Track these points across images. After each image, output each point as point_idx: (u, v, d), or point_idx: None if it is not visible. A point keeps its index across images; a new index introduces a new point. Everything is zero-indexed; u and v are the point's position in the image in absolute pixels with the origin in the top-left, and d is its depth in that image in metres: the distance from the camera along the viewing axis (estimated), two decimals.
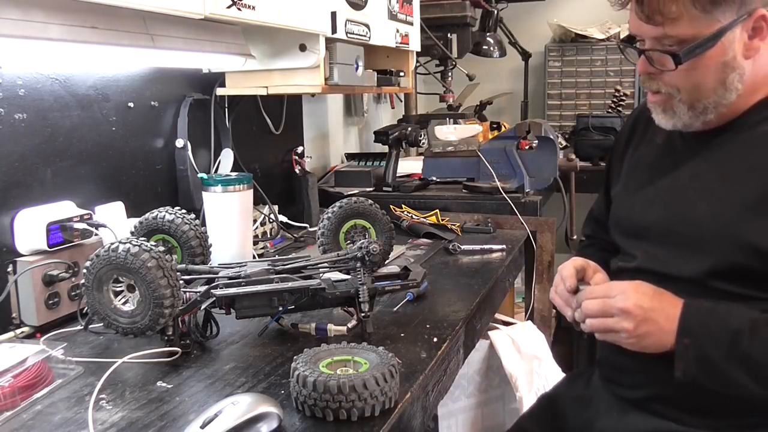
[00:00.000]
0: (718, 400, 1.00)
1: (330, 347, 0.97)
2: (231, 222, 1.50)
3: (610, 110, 3.15)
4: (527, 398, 1.82)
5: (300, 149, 2.12)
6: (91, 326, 1.19)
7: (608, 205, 1.30)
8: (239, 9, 1.21)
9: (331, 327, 1.15)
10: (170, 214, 1.30)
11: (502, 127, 2.63)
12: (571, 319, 1.11)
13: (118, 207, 1.45)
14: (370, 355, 0.94)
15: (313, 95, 2.31)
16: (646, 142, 1.21)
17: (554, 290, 1.16)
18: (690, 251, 1.04)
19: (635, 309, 0.98)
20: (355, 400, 0.85)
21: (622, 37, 3.29)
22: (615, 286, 1.04)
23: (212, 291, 1.10)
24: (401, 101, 3.15)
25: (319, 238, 1.40)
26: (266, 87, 1.63)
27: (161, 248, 1.02)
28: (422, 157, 2.32)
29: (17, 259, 1.21)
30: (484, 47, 3.03)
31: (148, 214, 1.31)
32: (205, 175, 1.52)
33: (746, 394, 0.95)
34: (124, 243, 1.00)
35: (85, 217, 1.30)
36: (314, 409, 0.86)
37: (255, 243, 1.71)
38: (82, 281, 1.04)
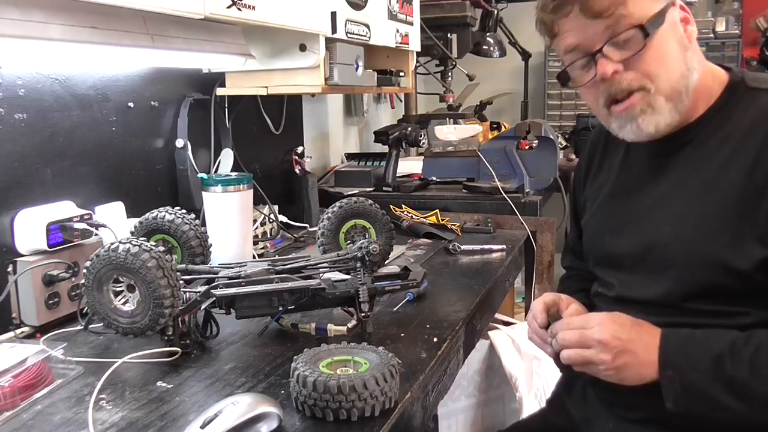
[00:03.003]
0: (716, 422, 0.98)
1: (330, 347, 0.97)
2: (231, 222, 1.50)
3: None
4: (527, 398, 1.82)
5: (300, 149, 2.12)
6: (91, 326, 1.19)
7: (581, 235, 1.28)
8: (239, 9, 1.21)
9: (331, 327, 1.15)
10: (170, 214, 1.30)
11: (502, 127, 2.63)
12: (551, 355, 1.09)
13: (118, 207, 1.45)
14: (370, 355, 0.94)
15: (313, 95, 2.31)
16: (605, 169, 1.19)
17: (530, 331, 1.15)
18: (662, 276, 1.03)
19: (613, 340, 0.97)
20: (355, 400, 0.85)
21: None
22: (592, 318, 1.03)
23: (212, 291, 1.10)
24: (401, 101, 3.15)
25: (319, 238, 1.40)
26: (266, 87, 1.63)
27: (161, 248, 1.02)
28: (422, 157, 2.32)
29: (17, 259, 1.21)
30: (484, 47, 3.03)
31: (148, 214, 1.31)
32: (205, 175, 1.52)
33: (740, 419, 0.94)
34: (124, 243, 1.00)
35: (85, 217, 1.30)
36: (314, 409, 0.86)
37: (255, 243, 1.71)
38: (82, 281, 1.04)
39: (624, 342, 0.97)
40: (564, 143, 2.93)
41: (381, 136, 2.28)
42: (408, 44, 2.08)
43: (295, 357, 0.93)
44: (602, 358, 0.97)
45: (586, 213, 1.24)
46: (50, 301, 1.22)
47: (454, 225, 1.97)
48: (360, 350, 0.95)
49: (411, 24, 2.10)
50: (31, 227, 1.22)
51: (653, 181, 1.09)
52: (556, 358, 1.06)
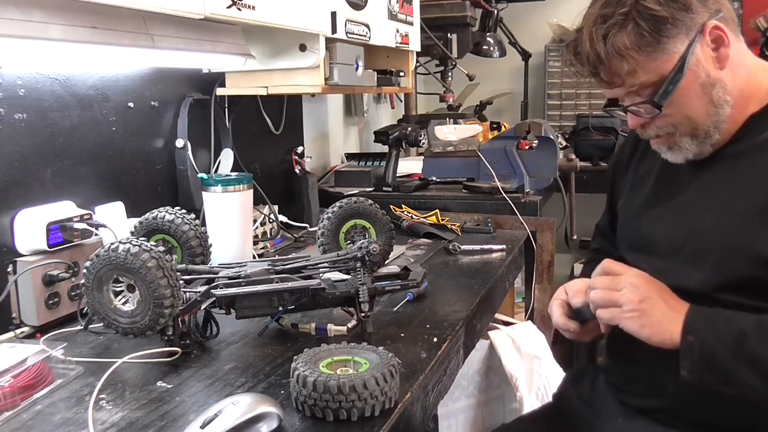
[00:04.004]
0: (726, 415, 0.99)
1: (330, 347, 0.97)
2: (231, 222, 1.50)
3: None
4: (527, 398, 1.82)
5: (300, 149, 2.12)
6: (91, 326, 1.19)
7: (613, 219, 1.29)
8: (239, 9, 1.21)
9: (331, 327, 1.15)
10: (170, 214, 1.30)
11: (502, 127, 2.63)
12: (564, 326, 1.10)
13: (118, 207, 1.45)
14: (370, 355, 0.94)
15: (313, 95, 2.31)
16: (650, 155, 1.20)
17: (555, 300, 1.14)
18: (698, 265, 1.03)
19: (644, 284, 0.99)
20: (355, 400, 0.85)
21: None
22: (631, 270, 1.04)
23: (212, 291, 1.10)
24: (401, 101, 3.15)
25: (319, 238, 1.40)
26: (266, 87, 1.63)
27: (161, 248, 1.02)
28: (422, 157, 2.32)
29: (17, 259, 1.21)
30: (484, 47, 3.03)
31: (148, 214, 1.31)
32: (205, 175, 1.52)
33: (754, 395, 0.94)
34: (124, 243, 1.00)
35: (85, 217, 1.30)
36: (314, 409, 0.86)
37: (255, 243, 1.71)
38: (82, 281, 1.04)
39: (654, 291, 0.99)
40: (564, 143, 2.93)
41: (381, 136, 2.28)
42: (408, 44, 2.08)
43: (295, 357, 0.93)
44: (630, 297, 0.98)
45: (624, 197, 1.24)
46: (50, 301, 1.22)
47: (454, 225, 1.97)
48: (360, 350, 0.95)
49: (411, 24, 2.10)
50: (31, 227, 1.22)
51: (699, 170, 1.09)
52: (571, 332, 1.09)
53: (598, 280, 1.03)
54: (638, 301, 0.97)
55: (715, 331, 0.95)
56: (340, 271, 1.22)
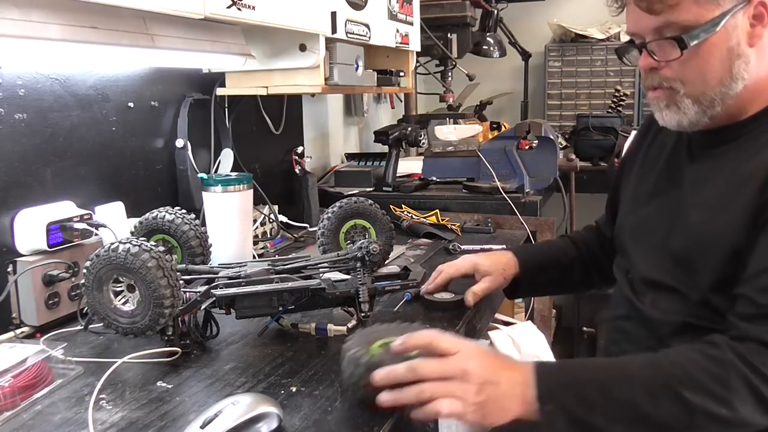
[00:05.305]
0: None
1: (380, 328, 0.97)
2: (231, 222, 1.50)
3: (610, 110, 3.15)
4: None
5: (300, 149, 2.12)
6: (91, 326, 1.19)
7: (612, 211, 1.30)
8: (239, 9, 1.21)
9: (331, 327, 1.15)
10: (170, 214, 1.30)
11: (502, 127, 2.63)
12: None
13: (118, 207, 1.45)
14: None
15: (313, 95, 2.31)
16: (658, 142, 1.19)
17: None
18: (685, 261, 1.02)
19: (475, 368, 0.87)
20: None
21: (621, 40, 3.29)
22: (460, 347, 0.90)
23: (212, 291, 1.10)
24: (401, 101, 3.15)
25: (319, 238, 1.40)
26: (266, 87, 1.63)
27: (161, 248, 1.02)
28: (422, 157, 2.32)
29: (17, 259, 1.20)
30: (484, 47, 3.03)
31: (148, 214, 1.31)
32: (205, 175, 1.52)
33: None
34: (124, 243, 1.00)
35: (85, 217, 1.30)
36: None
37: (255, 243, 1.71)
38: (82, 281, 1.03)
39: (487, 370, 0.88)
40: (564, 143, 2.94)
41: (381, 136, 2.28)
42: (408, 44, 2.08)
43: (346, 338, 0.92)
44: (463, 389, 0.86)
45: (630, 183, 1.23)
46: (50, 301, 1.22)
47: (454, 225, 1.97)
48: (413, 329, 0.95)
49: (411, 24, 2.10)
50: (31, 227, 1.22)
51: (695, 164, 1.08)
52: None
53: (427, 366, 0.86)
54: (474, 393, 0.85)
55: (573, 390, 0.87)
56: (340, 271, 1.22)
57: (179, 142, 1.64)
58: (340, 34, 1.61)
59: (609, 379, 0.88)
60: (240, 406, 0.83)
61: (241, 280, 1.13)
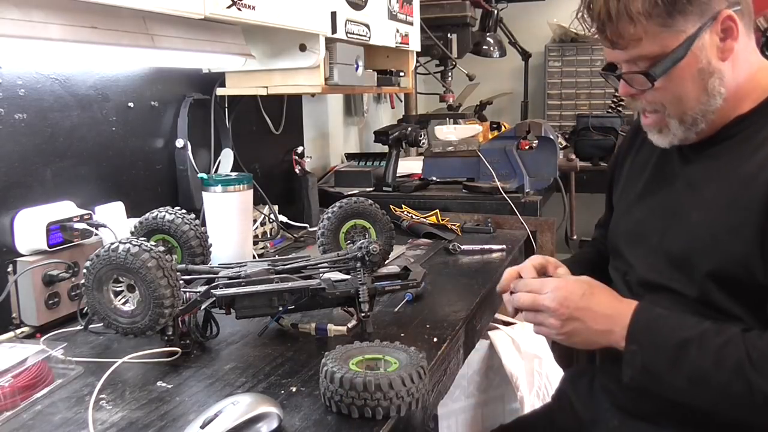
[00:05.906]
0: (721, 418, 0.98)
1: (362, 345, 0.97)
2: (231, 222, 1.50)
3: (610, 110, 3.15)
4: (528, 398, 1.82)
5: (300, 149, 2.12)
6: (91, 326, 1.19)
7: (610, 211, 1.30)
8: (239, 9, 1.21)
9: (331, 327, 1.15)
10: (170, 214, 1.30)
11: (502, 127, 2.64)
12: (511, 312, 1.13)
13: (118, 207, 1.45)
14: (400, 354, 0.94)
15: (313, 95, 2.31)
16: (647, 146, 1.19)
17: (503, 280, 1.16)
18: (684, 261, 1.02)
19: (560, 308, 1.02)
20: (380, 399, 0.85)
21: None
22: (548, 283, 1.06)
23: (212, 291, 1.10)
24: (401, 101, 3.15)
25: (319, 238, 1.40)
26: (266, 87, 1.63)
27: (161, 248, 1.02)
28: (422, 157, 2.32)
29: (17, 259, 1.20)
30: (484, 47, 3.03)
31: (148, 214, 1.31)
32: (205, 175, 1.52)
33: (693, 405, 0.96)
34: (124, 243, 1.00)
35: (85, 217, 1.30)
36: (340, 406, 0.86)
37: (255, 243, 1.71)
38: (82, 281, 1.03)
39: (572, 310, 1.01)
40: (564, 143, 2.94)
41: (381, 136, 2.28)
42: (408, 44, 2.08)
43: (326, 353, 0.92)
44: (551, 323, 1.03)
45: (620, 188, 1.25)
46: (50, 301, 1.22)
47: (454, 225, 1.97)
48: (392, 349, 0.96)
49: (411, 24, 2.10)
50: (31, 227, 1.22)
51: (689, 166, 1.08)
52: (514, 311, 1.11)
53: (520, 298, 1.08)
54: (560, 326, 1.02)
55: (656, 341, 0.97)
56: (340, 271, 1.22)
57: (179, 142, 1.64)
58: (340, 34, 1.61)
59: (689, 339, 0.94)
60: (240, 406, 0.83)
61: (241, 280, 1.13)
